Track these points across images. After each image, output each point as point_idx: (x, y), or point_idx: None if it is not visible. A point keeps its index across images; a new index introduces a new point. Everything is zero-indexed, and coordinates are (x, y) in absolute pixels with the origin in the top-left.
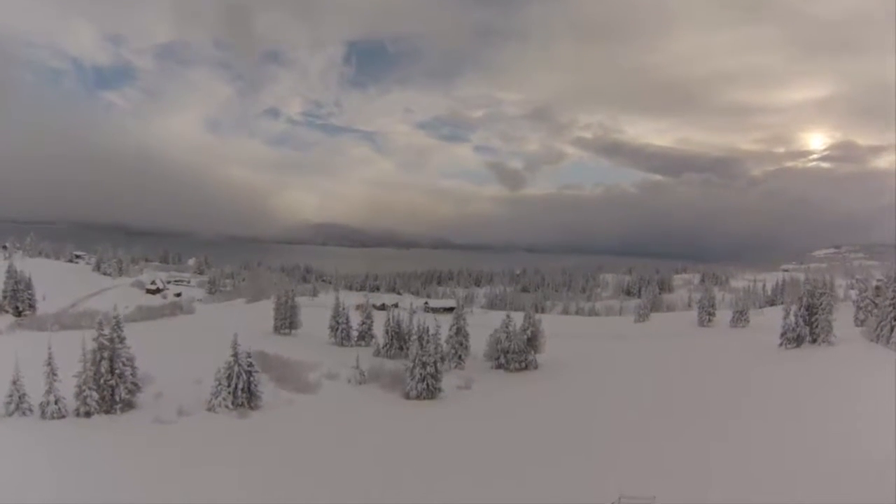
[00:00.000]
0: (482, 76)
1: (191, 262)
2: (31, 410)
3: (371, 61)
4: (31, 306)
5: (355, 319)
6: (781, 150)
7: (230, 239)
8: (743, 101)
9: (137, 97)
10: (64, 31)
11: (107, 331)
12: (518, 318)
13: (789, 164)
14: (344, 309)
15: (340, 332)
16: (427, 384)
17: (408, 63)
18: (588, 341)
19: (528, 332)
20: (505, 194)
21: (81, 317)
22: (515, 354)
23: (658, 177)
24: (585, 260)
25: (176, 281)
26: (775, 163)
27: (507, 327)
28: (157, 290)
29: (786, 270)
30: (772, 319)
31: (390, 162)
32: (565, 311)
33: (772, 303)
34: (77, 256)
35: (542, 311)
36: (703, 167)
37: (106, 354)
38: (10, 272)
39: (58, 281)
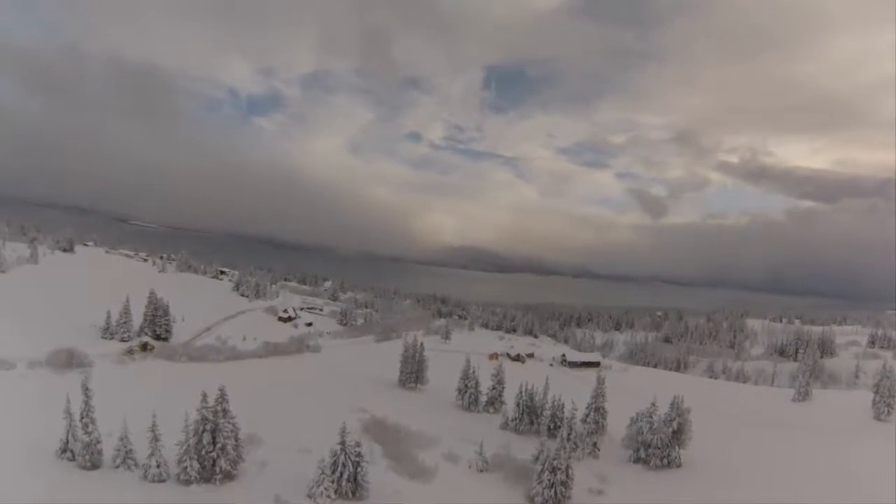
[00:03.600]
0: (622, 99)
1: (327, 284)
2: (136, 466)
3: (511, 86)
4: (168, 330)
5: (486, 373)
6: None
7: (370, 256)
8: None
9: (286, 122)
10: (222, 65)
11: (211, 401)
12: (660, 390)
13: None
14: (474, 372)
15: (468, 395)
16: (555, 491)
17: (547, 87)
18: (738, 426)
19: (675, 423)
20: (646, 222)
21: (209, 350)
22: (658, 450)
23: (810, 203)
24: (729, 295)
25: (309, 308)
26: None
27: (650, 417)
28: (289, 319)
29: None
30: None
31: (531, 187)
32: (710, 370)
33: None
34: (222, 272)
35: (685, 366)
36: (865, 191)
37: (209, 427)
38: (151, 299)
39: (199, 300)
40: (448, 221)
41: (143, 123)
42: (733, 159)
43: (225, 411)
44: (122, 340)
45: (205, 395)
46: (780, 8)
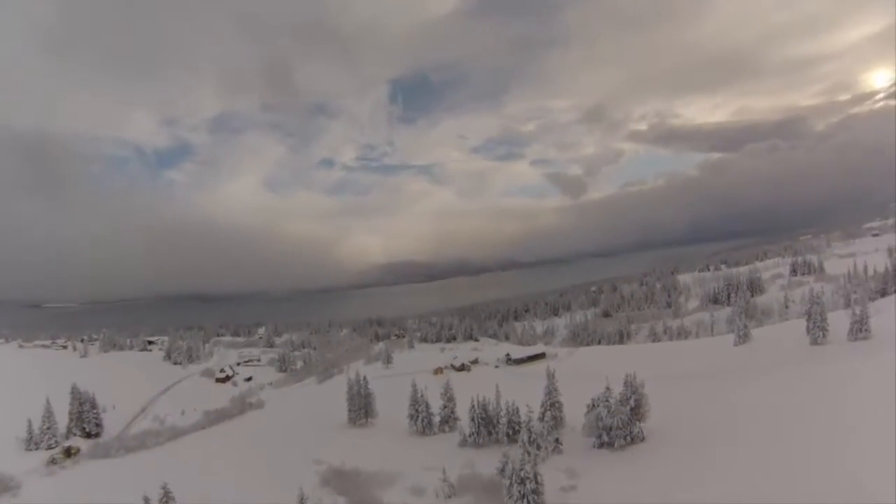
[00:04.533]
0: (528, 89)
1: (261, 331)
2: None
3: (417, 95)
4: (98, 424)
5: (435, 391)
6: (845, 97)
7: (301, 292)
8: (797, 54)
9: (197, 171)
10: (121, 121)
11: (156, 503)
12: (609, 367)
13: (855, 110)
14: (422, 395)
15: (421, 420)
16: (528, 501)
17: (453, 90)
18: (689, 383)
19: (631, 401)
20: (567, 203)
21: (147, 436)
22: (619, 430)
23: (718, 154)
24: (658, 255)
25: (246, 362)
26: (840, 112)
27: (607, 400)
28: (227, 378)
29: (874, 233)
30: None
31: (449, 191)
32: (652, 334)
33: (883, 292)
34: (150, 343)
35: (628, 336)
36: (765, 134)
37: None
38: (74, 394)
39: (129, 379)
40: (371, 241)
41: (43, 197)
42: (643, 127)
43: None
44: (50, 448)
45: (146, 500)
46: None
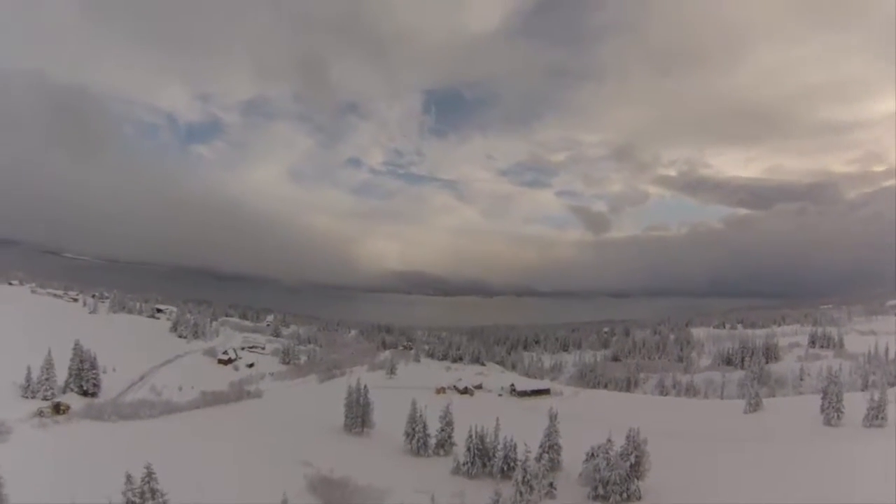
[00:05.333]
0: (561, 118)
1: (269, 318)
2: None
3: (449, 109)
4: (96, 385)
5: (435, 410)
6: (879, 168)
7: (313, 285)
8: (833, 117)
9: (225, 150)
10: (158, 89)
11: (138, 482)
12: (613, 415)
13: (889, 182)
14: (421, 415)
15: (417, 439)
16: None
17: (486, 109)
18: (694, 445)
19: (632, 457)
20: (588, 239)
21: (142, 405)
22: (617, 485)
23: (746, 210)
24: (674, 303)
25: (250, 348)
26: (874, 183)
27: (607, 453)
28: (230, 361)
29: None
30: None
31: (473, 209)
32: (660, 386)
33: None
34: (159, 311)
35: (636, 384)
36: (795, 196)
37: None
38: (76, 351)
39: (132, 345)
40: (390, 247)
41: (75, 149)
42: (672, 172)
43: (153, 491)
44: (45, 399)
45: (129, 477)
46: (710, 24)
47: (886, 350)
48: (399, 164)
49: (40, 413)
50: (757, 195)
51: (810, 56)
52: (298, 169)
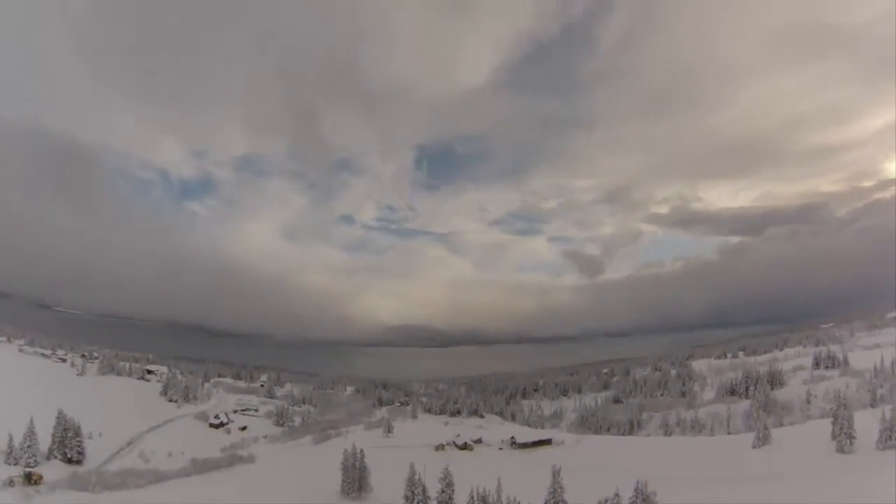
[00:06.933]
0: (552, 166)
1: (263, 378)
2: None
3: (441, 164)
4: (80, 452)
5: (434, 469)
6: (868, 183)
7: (309, 342)
8: (820, 142)
9: (218, 207)
10: (153, 144)
11: None
12: (618, 461)
13: (879, 195)
14: (420, 478)
15: (416, 503)
16: None
17: (478, 162)
18: (703, 489)
19: None
20: (583, 282)
21: (128, 475)
22: None
23: (738, 238)
24: (673, 338)
25: (243, 410)
26: (863, 198)
27: None
28: (221, 425)
29: None
30: None
31: (466, 261)
32: (665, 425)
33: None
34: (149, 372)
35: (639, 426)
36: (786, 219)
37: None
38: (60, 418)
39: (120, 409)
40: (385, 302)
41: (68, 201)
42: (664, 209)
43: None
44: (29, 465)
45: None
46: (701, 63)
47: (893, 362)
48: (391, 220)
49: (10, 482)
50: (748, 223)
51: (797, 86)
52: (292, 226)
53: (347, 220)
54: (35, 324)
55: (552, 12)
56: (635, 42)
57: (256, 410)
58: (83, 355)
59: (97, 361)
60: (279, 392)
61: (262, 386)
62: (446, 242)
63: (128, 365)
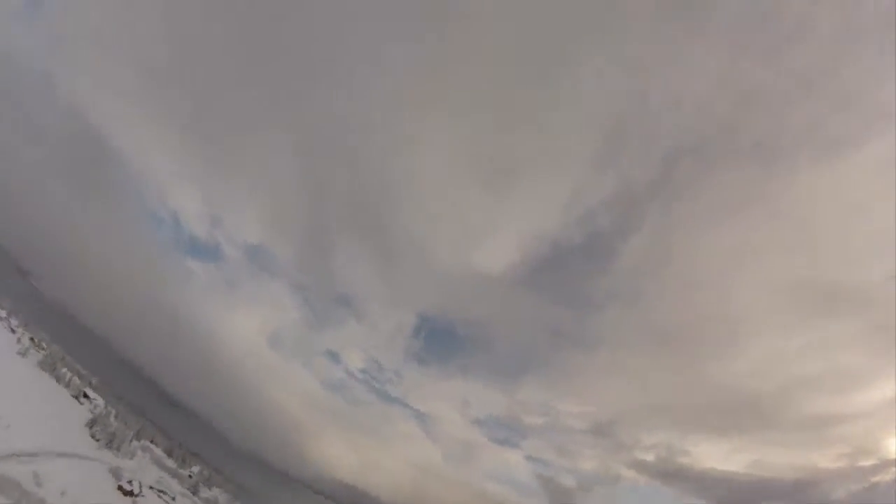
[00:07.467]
0: (546, 381)
1: (195, 469)
2: None
3: (439, 340)
4: None
5: None
6: (868, 462)
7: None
8: (822, 410)
9: (216, 280)
10: (174, 188)
11: None
12: None
13: (877, 478)
14: None
15: None
16: None
17: (475, 351)
18: None
19: None
20: None
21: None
22: None
23: None
24: None
25: (160, 491)
26: (862, 480)
27: None
28: (131, 494)
29: None
30: None
31: (436, 448)
32: None
33: None
34: (85, 396)
35: None
36: (779, 493)
37: None
38: None
39: (36, 415)
40: (347, 456)
41: (89, 198)
42: (649, 457)
43: None
44: None
45: None
46: (713, 309)
47: None
48: (375, 377)
49: None
50: (738, 491)
51: (806, 346)
52: (280, 336)
53: (333, 356)
54: (6, 289)
55: (578, 219)
56: (651, 270)
57: (174, 500)
58: (32, 339)
59: (43, 353)
60: (204, 493)
61: (189, 476)
62: (423, 422)
63: (69, 375)
